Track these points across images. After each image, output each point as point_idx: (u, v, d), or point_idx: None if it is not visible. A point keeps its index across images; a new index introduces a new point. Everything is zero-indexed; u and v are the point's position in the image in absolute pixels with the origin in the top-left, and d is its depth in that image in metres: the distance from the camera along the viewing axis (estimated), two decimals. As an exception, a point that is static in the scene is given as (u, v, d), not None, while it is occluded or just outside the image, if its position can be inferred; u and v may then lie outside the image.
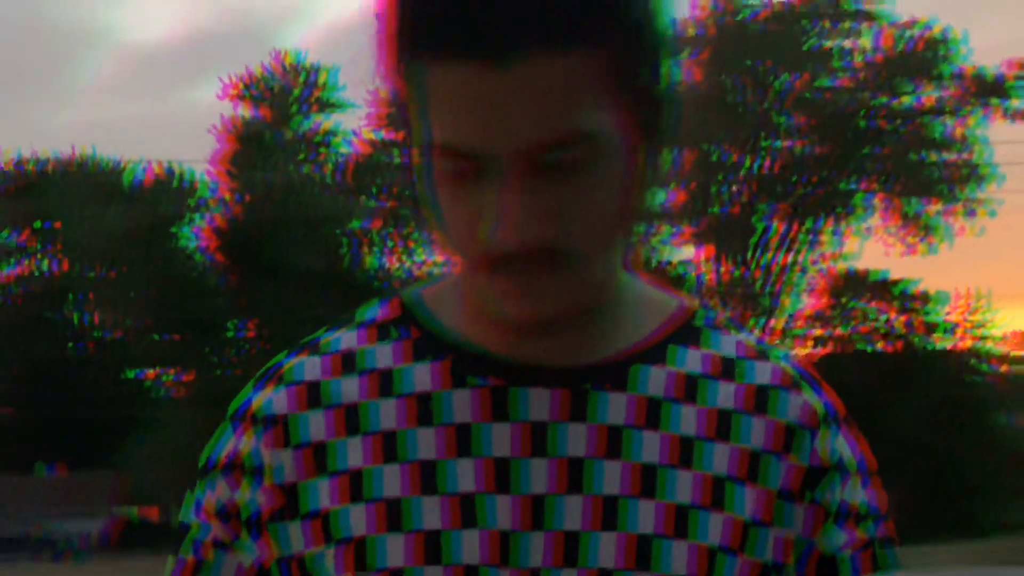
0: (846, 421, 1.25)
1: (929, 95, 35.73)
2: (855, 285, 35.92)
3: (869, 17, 35.50)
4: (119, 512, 35.58)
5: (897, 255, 42.11)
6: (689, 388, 1.19)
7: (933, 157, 35.91)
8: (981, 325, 36.45)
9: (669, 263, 35.94)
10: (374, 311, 1.26)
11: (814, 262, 36.92)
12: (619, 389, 1.18)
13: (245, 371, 27.18)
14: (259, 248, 31.69)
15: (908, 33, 35.56)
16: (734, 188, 36.28)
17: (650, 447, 1.17)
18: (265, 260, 31.64)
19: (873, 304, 35.84)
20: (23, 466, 37.60)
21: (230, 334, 34.82)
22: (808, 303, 37.08)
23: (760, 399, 1.20)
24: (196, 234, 35.41)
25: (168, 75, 79.61)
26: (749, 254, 36.47)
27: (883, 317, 35.90)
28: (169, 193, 36.36)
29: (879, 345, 35.88)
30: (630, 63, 1.09)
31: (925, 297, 35.76)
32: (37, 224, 40.76)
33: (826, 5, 35.28)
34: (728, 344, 1.24)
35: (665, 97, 1.14)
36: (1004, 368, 38.34)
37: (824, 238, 36.83)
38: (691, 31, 35.11)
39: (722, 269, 36.70)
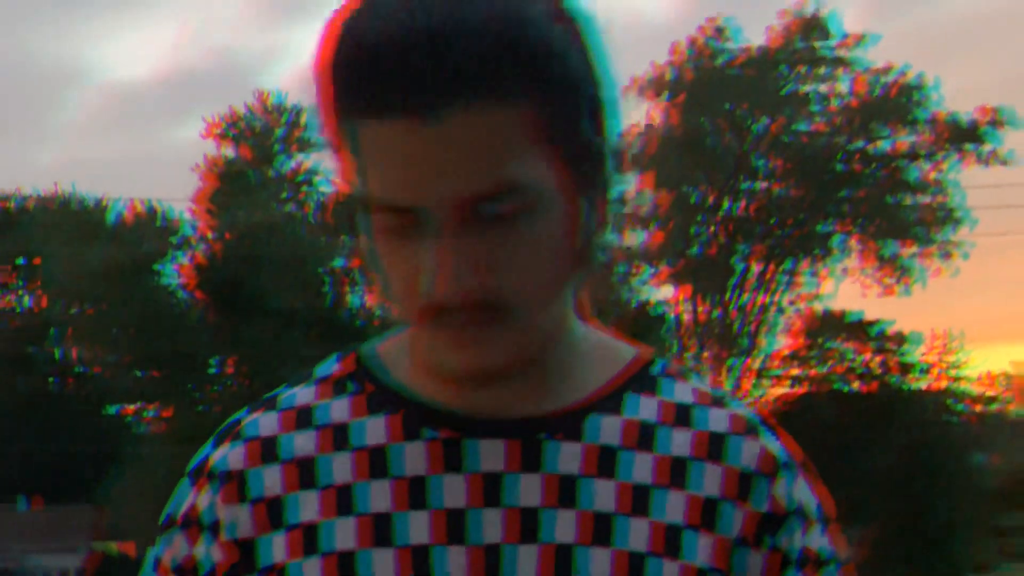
0: (804, 467, 1.23)
1: (903, 140, 36.06)
2: (831, 326, 35.98)
3: (844, 63, 35.85)
4: (97, 547, 35.33)
5: (872, 296, 42.24)
6: (643, 436, 1.18)
7: (908, 200, 36.17)
8: (955, 366, 36.54)
9: (647, 303, 36.01)
10: (330, 367, 1.25)
11: (791, 303, 37.09)
12: (572, 438, 1.17)
13: (225, 407, 27.19)
14: (240, 286, 31.61)
15: (882, 79, 35.92)
16: (712, 229, 36.43)
17: (604, 495, 1.16)
18: (246, 297, 31.54)
19: (849, 344, 35.86)
20: (1, 500, 37.40)
21: (211, 370, 34.70)
22: (785, 343, 37.19)
23: (715, 446, 1.19)
24: (177, 271, 35.34)
25: (150, 114, 79.41)
26: (727, 294, 36.57)
27: (859, 357, 35.90)
28: (150, 231, 36.25)
29: (855, 385, 35.85)
30: (564, 115, 1.08)
31: (900, 338, 35.81)
32: (18, 261, 40.81)
33: (802, 51, 35.59)
34: (683, 392, 1.22)
35: (604, 147, 1.13)
36: (978, 408, 38.50)
37: (800, 279, 37.02)
38: (668, 75, 35.42)
39: (699, 309, 36.81)
